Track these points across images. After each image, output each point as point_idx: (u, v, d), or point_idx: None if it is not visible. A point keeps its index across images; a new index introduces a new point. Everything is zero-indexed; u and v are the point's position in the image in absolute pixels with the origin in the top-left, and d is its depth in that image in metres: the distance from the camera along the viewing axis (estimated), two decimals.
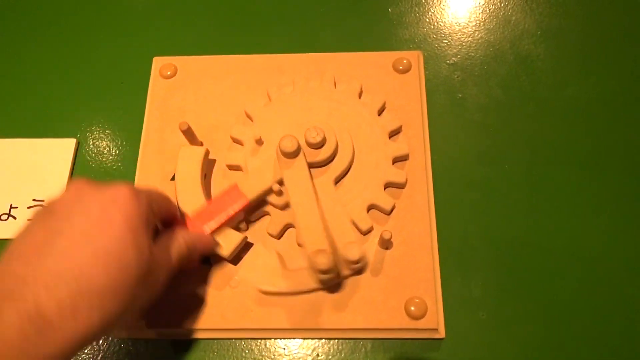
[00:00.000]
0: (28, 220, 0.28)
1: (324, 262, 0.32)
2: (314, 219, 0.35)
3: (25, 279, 0.24)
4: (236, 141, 0.41)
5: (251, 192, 0.36)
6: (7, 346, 0.23)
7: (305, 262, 0.37)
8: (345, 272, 0.36)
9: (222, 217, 0.35)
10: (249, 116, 0.42)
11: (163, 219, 0.34)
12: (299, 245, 0.38)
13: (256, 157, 0.39)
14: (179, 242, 0.32)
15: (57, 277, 0.24)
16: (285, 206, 0.38)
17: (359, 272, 0.37)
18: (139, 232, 0.28)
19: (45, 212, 0.28)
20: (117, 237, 0.26)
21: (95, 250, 0.26)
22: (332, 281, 0.36)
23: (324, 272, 0.33)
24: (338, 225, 0.36)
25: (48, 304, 0.24)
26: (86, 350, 0.37)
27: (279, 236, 0.38)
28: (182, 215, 0.36)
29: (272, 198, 0.38)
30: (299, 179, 0.36)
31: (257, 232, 0.39)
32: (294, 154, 0.36)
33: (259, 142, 0.39)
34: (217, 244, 0.35)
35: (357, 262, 0.34)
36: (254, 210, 0.38)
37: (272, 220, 0.38)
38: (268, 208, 0.39)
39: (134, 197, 0.28)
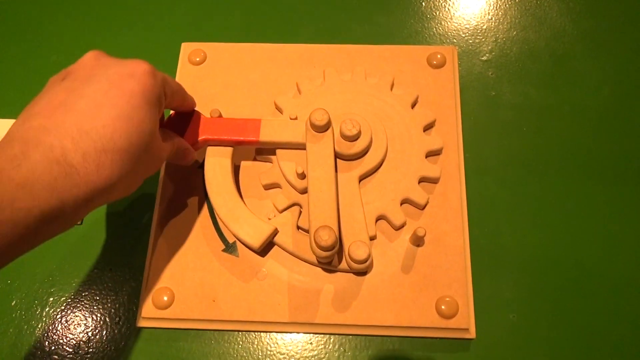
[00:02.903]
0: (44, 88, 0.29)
1: (326, 238, 0.31)
2: (328, 196, 0.34)
3: (49, 130, 0.25)
4: None
5: (266, 135, 0.36)
6: (38, 181, 0.23)
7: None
8: (345, 267, 0.35)
9: (225, 136, 0.36)
10: (278, 108, 0.41)
11: (173, 105, 0.35)
12: (298, 228, 0.37)
13: (293, 121, 0.38)
14: (173, 141, 0.34)
15: (82, 132, 0.25)
16: (305, 190, 0.37)
17: (362, 273, 0.36)
18: (153, 107, 0.29)
19: (62, 75, 0.29)
20: (135, 105, 0.27)
21: (118, 113, 0.27)
22: (328, 264, 0.35)
23: (325, 249, 0.31)
24: (352, 222, 0.35)
25: (74, 154, 0.25)
26: (108, 337, 0.36)
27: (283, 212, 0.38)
28: (197, 112, 0.37)
29: (294, 180, 0.37)
30: (322, 154, 0.35)
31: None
32: (323, 128, 0.35)
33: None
34: (194, 162, 0.38)
35: (362, 262, 0.33)
36: (260, 152, 0.39)
37: (281, 193, 0.38)
38: (282, 183, 0.38)
39: (152, 73, 0.29)
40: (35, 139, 0.25)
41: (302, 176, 0.36)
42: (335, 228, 0.32)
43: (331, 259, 0.34)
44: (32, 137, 0.25)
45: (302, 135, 0.36)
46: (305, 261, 0.36)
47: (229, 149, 0.37)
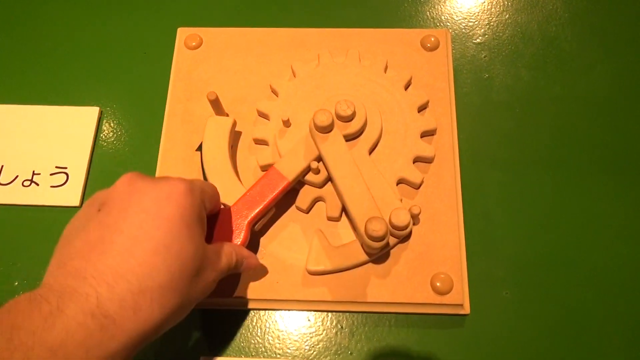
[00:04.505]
0: (77, 214, 0.28)
1: (379, 228, 0.32)
2: (361, 188, 0.35)
3: (85, 276, 0.24)
4: (262, 115, 0.41)
5: (290, 174, 0.36)
6: (72, 341, 0.22)
7: (349, 234, 0.37)
8: (391, 240, 0.35)
9: (263, 202, 0.34)
10: (274, 91, 0.42)
11: (211, 211, 0.33)
12: (329, 219, 0.37)
13: (286, 138, 0.38)
14: (231, 251, 0.31)
15: (118, 275, 0.24)
16: (324, 183, 0.37)
17: (404, 239, 0.37)
18: (194, 228, 0.27)
19: (96, 205, 0.28)
20: (174, 232, 0.26)
21: (155, 246, 0.25)
22: (382, 251, 0.35)
23: (380, 239, 0.32)
24: (380, 193, 0.36)
25: (110, 302, 0.24)
26: None
27: (308, 210, 0.38)
28: (225, 205, 0.35)
29: (309, 177, 0.37)
30: (337, 151, 0.36)
31: (282, 206, 0.38)
32: (328, 128, 0.36)
33: (287, 123, 0.38)
34: (262, 267, 0.36)
35: (405, 227, 0.33)
36: (289, 191, 0.37)
37: (301, 194, 0.38)
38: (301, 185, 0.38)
39: (189, 192, 0.28)
40: (71, 289, 0.23)
41: (317, 171, 0.36)
42: (382, 216, 0.33)
43: (384, 247, 0.34)
44: (68, 287, 0.23)
45: (315, 148, 0.36)
46: (353, 267, 0.36)
47: (229, 124, 0.38)
